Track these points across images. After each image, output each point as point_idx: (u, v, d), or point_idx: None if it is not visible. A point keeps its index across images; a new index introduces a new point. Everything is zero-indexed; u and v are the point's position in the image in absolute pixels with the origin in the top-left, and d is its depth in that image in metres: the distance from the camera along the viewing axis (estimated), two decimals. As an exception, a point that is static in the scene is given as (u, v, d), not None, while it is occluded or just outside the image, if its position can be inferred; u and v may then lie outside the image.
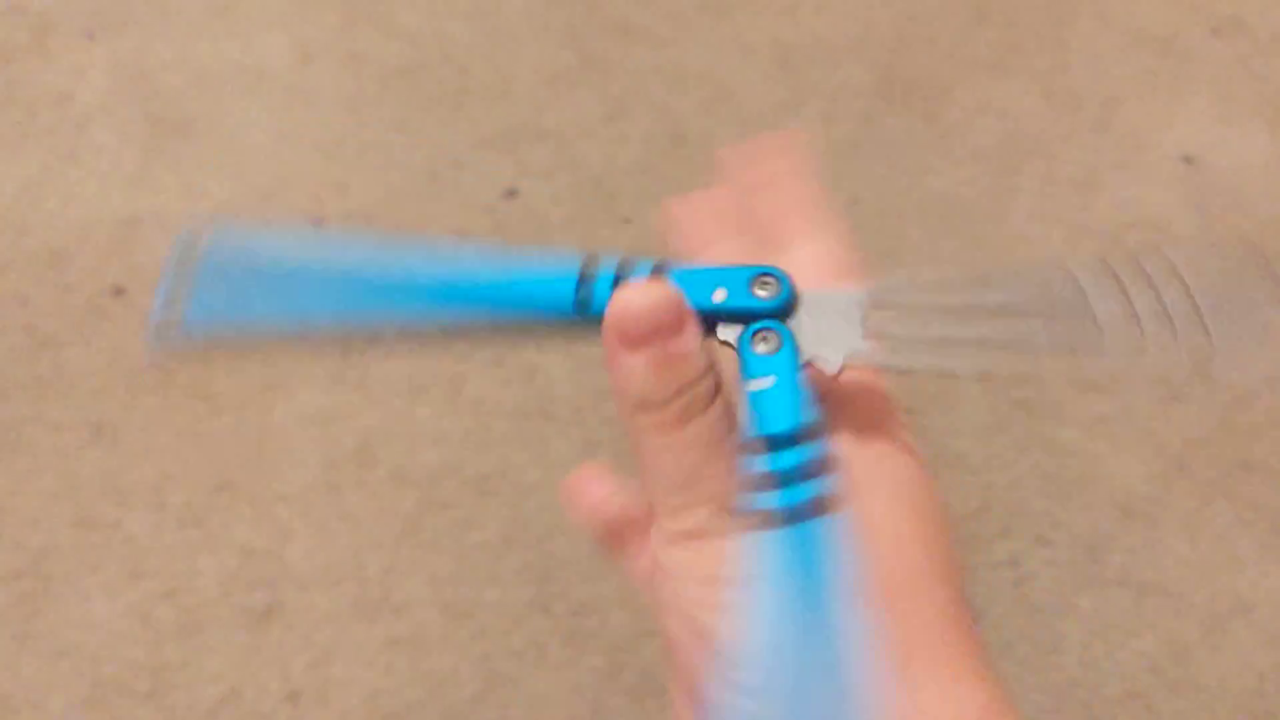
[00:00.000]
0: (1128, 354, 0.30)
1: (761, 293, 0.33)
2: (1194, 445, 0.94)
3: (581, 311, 0.33)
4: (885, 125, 1.13)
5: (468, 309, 0.33)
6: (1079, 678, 0.83)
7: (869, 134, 1.12)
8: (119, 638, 0.81)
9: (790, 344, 0.32)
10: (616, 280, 0.33)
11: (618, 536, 0.36)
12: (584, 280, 0.33)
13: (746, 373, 0.31)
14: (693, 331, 0.31)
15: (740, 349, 0.32)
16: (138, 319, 0.97)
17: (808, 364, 0.32)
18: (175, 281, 0.34)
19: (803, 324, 0.32)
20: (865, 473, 0.31)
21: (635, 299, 0.31)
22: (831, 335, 0.32)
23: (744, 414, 0.31)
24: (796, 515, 0.30)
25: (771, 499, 0.30)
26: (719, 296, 0.33)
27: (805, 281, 0.33)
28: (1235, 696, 0.83)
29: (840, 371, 0.32)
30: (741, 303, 0.33)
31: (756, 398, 0.31)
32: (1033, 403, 0.95)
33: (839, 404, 0.33)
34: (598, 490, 0.36)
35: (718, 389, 0.32)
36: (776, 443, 0.30)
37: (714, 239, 0.37)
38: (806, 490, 0.30)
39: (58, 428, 0.91)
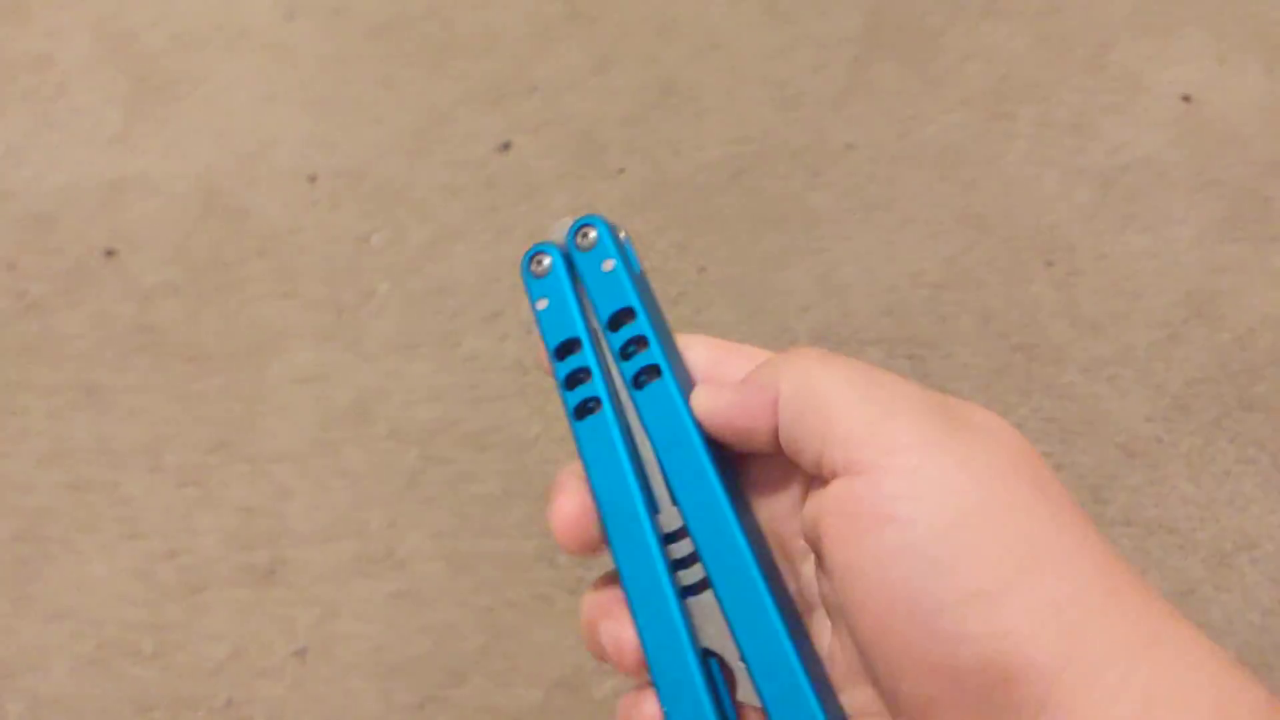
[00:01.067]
0: None
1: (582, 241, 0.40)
2: (1195, 385, 0.94)
3: None
4: (876, 71, 1.12)
5: None
6: (1085, 617, 0.83)
7: (860, 80, 1.11)
8: (120, 599, 0.81)
9: (561, 265, 0.40)
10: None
11: None
12: None
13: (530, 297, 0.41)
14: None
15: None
16: (126, 281, 0.96)
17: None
18: None
19: None
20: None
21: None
22: None
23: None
24: (585, 411, 0.39)
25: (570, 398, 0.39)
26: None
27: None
28: (1241, 633, 0.83)
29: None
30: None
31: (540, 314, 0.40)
32: (1033, 347, 0.95)
33: None
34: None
35: None
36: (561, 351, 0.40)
37: None
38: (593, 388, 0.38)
39: (49, 391, 0.90)
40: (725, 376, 0.38)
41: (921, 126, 1.08)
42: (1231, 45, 1.14)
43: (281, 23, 1.15)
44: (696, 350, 0.40)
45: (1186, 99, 1.10)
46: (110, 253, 0.97)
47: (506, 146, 1.06)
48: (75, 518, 0.84)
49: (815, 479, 0.32)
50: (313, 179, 1.03)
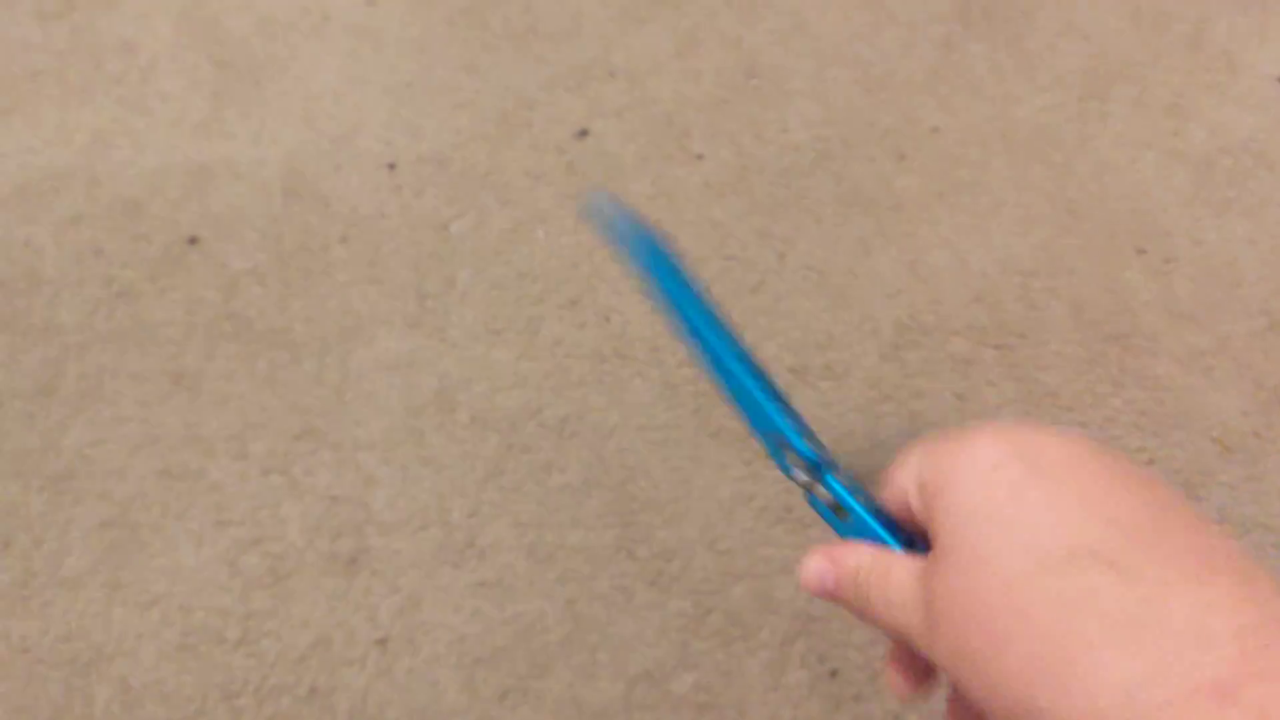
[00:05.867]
0: None
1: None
2: (1295, 377, 0.91)
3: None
4: (966, 52, 1.10)
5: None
6: (1179, 617, 0.81)
7: (949, 61, 1.09)
8: (207, 586, 0.82)
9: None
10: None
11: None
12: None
13: None
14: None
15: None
16: (213, 267, 0.97)
17: None
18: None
19: None
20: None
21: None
22: None
23: None
24: None
25: None
26: None
27: None
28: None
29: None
30: None
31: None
32: (1126, 337, 0.92)
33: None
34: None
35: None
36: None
37: None
38: None
39: (138, 378, 0.91)
40: None
41: (1012, 108, 1.06)
42: (1338, 22, 1.10)
43: (365, 7, 1.15)
44: None
45: (1288, 80, 1.06)
46: (194, 240, 0.98)
47: (584, 134, 1.05)
48: (165, 504, 0.85)
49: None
50: (392, 166, 1.03)
